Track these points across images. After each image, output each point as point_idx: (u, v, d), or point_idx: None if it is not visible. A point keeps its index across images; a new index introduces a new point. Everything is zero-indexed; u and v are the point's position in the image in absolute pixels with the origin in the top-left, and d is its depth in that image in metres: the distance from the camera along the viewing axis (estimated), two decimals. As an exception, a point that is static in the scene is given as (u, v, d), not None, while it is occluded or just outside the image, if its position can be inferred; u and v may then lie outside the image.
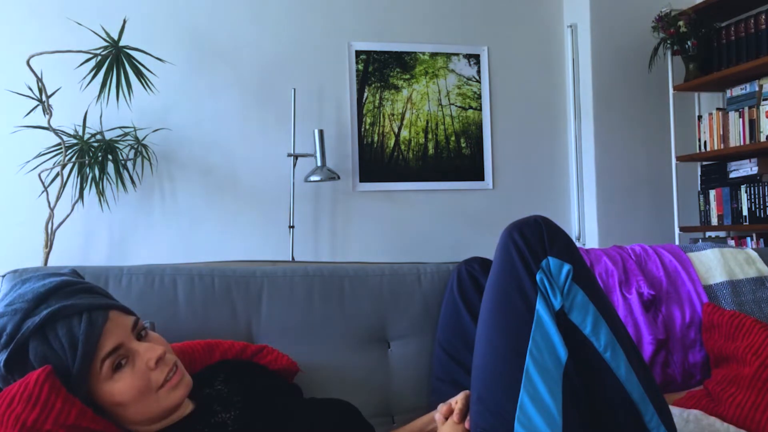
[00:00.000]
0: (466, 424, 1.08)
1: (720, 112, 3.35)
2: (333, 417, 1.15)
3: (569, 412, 0.95)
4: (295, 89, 3.25)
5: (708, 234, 3.56)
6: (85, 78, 2.87)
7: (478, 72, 3.66)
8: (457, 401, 1.12)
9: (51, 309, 0.97)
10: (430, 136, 3.58)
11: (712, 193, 3.43)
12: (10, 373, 0.97)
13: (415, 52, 3.57)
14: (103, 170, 2.89)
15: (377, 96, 3.52)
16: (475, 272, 1.40)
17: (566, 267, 1.03)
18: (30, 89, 2.81)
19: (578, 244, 2.71)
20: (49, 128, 2.78)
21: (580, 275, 1.04)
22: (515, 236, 1.05)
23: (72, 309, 0.98)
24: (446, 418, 1.10)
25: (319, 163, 3.16)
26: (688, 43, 3.34)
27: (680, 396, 1.48)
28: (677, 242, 3.49)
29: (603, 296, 1.06)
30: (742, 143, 3.21)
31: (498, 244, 1.08)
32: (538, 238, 1.04)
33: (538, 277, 1.02)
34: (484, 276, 1.38)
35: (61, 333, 0.96)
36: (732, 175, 3.34)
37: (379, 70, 3.53)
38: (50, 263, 2.79)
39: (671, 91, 3.49)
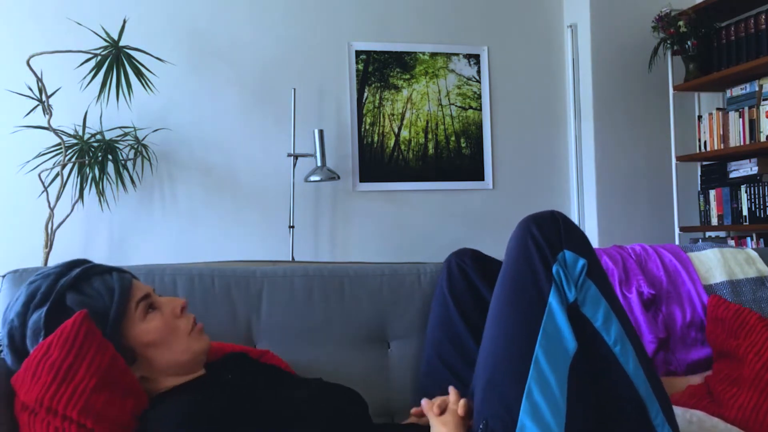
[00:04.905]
0: (461, 413, 1.08)
1: (720, 112, 3.35)
2: (333, 392, 1.17)
3: (574, 403, 0.95)
4: (295, 89, 3.25)
5: (708, 234, 3.56)
6: (85, 78, 2.87)
7: (478, 72, 3.66)
8: (452, 400, 1.11)
9: (84, 267, 1.10)
10: (430, 136, 3.58)
11: (712, 193, 3.42)
12: (48, 327, 1.02)
13: (415, 52, 3.57)
14: (103, 170, 2.89)
15: (377, 96, 3.52)
16: (466, 266, 1.38)
17: (581, 261, 1.04)
18: (30, 89, 2.81)
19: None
20: (49, 128, 2.78)
21: (593, 270, 1.05)
22: (533, 229, 1.06)
23: (102, 268, 1.12)
24: (441, 412, 1.10)
25: (319, 163, 3.16)
26: (688, 43, 3.34)
27: (681, 389, 1.48)
28: (677, 242, 3.49)
29: (614, 293, 1.07)
30: (742, 143, 3.21)
31: (513, 236, 1.09)
32: (555, 232, 1.05)
33: (554, 269, 1.03)
34: (476, 271, 1.36)
35: (96, 284, 1.07)
36: (732, 175, 3.34)
37: (379, 70, 3.53)
38: (50, 263, 2.79)
39: (671, 91, 3.49)
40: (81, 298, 1.05)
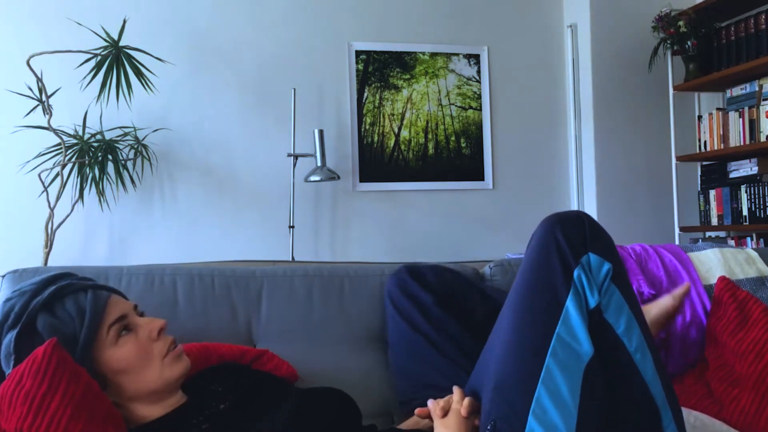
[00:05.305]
0: (465, 413, 1.07)
1: (720, 112, 3.35)
2: (323, 404, 1.15)
3: (587, 408, 0.94)
4: (295, 89, 3.25)
5: (708, 234, 3.56)
6: (85, 78, 2.87)
7: (478, 72, 3.66)
8: (456, 399, 1.11)
9: (58, 285, 1.06)
10: (430, 136, 3.58)
11: (712, 193, 3.42)
12: (19, 352, 1.00)
13: (415, 52, 3.57)
14: (103, 170, 2.89)
15: (377, 96, 3.52)
16: (408, 286, 1.38)
17: (606, 265, 1.02)
18: (30, 89, 2.81)
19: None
20: (49, 128, 2.78)
21: (618, 276, 1.03)
22: (556, 230, 1.03)
23: (78, 286, 1.07)
24: (444, 413, 1.09)
25: (319, 163, 3.16)
26: (688, 43, 3.34)
27: (652, 318, 1.45)
28: (677, 242, 3.49)
29: (636, 300, 1.05)
30: (742, 143, 3.21)
31: (535, 235, 1.07)
32: (579, 234, 1.03)
33: (575, 274, 1.01)
34: (420, 287, 1.36)
35: (68, 305, 1.04)
36: (732, 175, 3.34)
37: (379, 70, 3.53)
38: (50, 263, 2.79)
39: (671, 91, 3.49)
40: (52, 320, 1.02)
